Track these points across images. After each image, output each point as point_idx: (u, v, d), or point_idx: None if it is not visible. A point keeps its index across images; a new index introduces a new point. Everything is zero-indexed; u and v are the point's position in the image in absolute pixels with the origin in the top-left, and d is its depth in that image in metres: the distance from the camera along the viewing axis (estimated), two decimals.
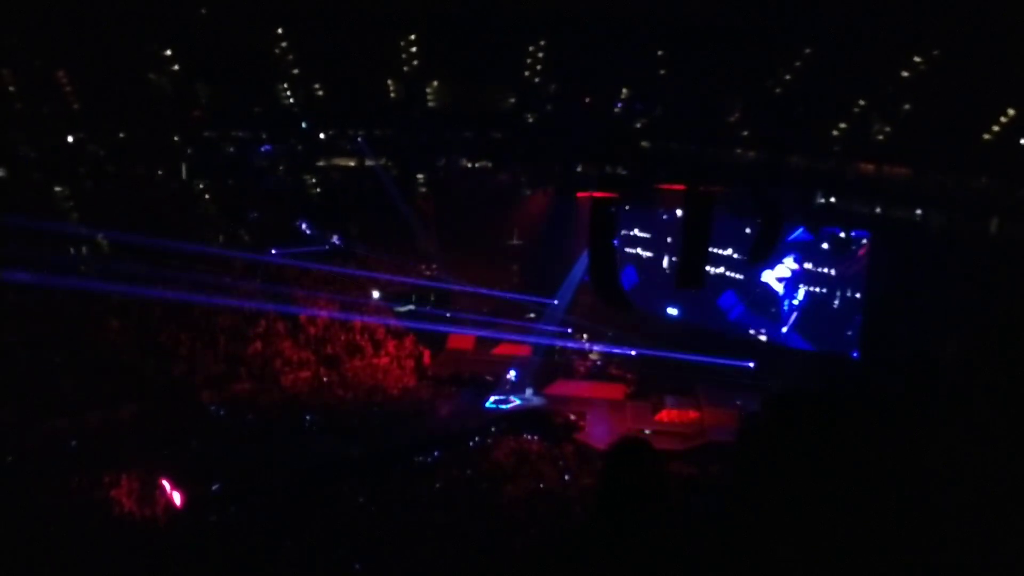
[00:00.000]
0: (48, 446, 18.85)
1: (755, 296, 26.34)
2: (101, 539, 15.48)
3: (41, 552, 14.28)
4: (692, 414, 24.00)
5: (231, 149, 28.18)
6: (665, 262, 28.36)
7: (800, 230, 24.41)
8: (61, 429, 19.59)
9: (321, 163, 29.79)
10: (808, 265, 24.90)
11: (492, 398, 24.77)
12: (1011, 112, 20.16)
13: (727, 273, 26.64)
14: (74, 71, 23.64)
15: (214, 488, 18.09)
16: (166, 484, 17.79)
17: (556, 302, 28.38)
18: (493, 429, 23.11)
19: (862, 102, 22.56)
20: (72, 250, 24.16)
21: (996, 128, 20.44)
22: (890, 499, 3.86)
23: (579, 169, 28.43)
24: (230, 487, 18.09)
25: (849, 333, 24.23)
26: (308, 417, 22.33)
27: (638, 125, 26.38)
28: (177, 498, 17.54)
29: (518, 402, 24.74)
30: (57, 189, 24.73)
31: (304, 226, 28.71)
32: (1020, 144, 20.20)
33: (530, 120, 27.06)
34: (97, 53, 22.60)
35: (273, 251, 27.53)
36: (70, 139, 25.56)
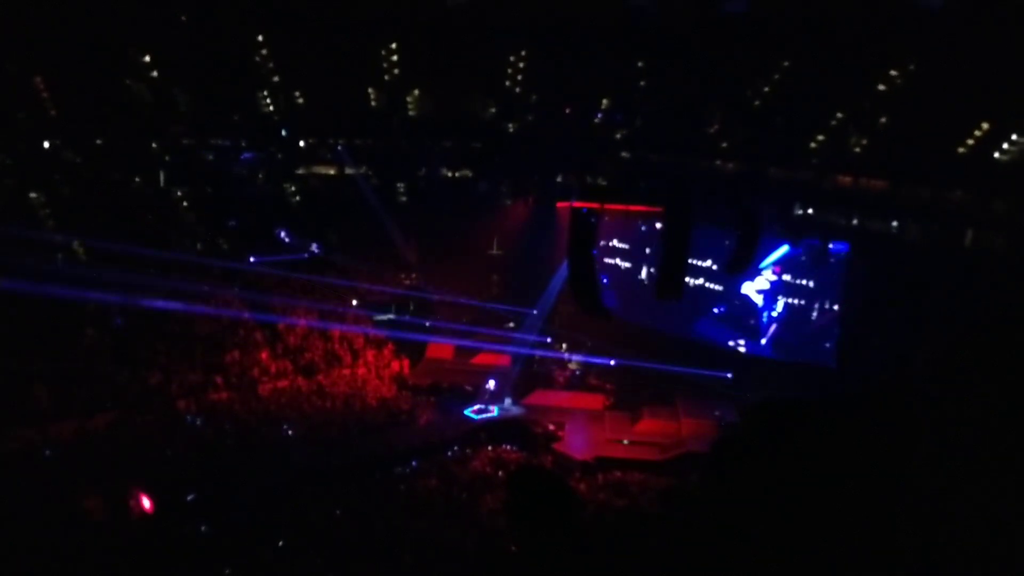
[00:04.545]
0: (20, 456, 18.59)
1: (734, 308, 26.47)
2: (73, 550, 15.26)
3: (13, 562, 14.09)
4: (671, 424, 24.03)
5: (210, 156, 28.02)
6: (644, 273, 28.46)
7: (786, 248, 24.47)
8: (34, 438, 19.34)
9: (301, 171, 29.68)
10: (787, 277, 25.04)
11: (471, 408, 24.71)
12: (985, 126, 20.40)
13: (707, 285, 26.77)
14: (51, 77, 23.45)
15: (189, 498, 17.91)
16: (140, 494, 17.58)
17: (535, 312, 28.38)
18: (471, 439, 23.03)
19: (840, 115, 22.74)
20: (47, 257, 23.88)
21: (971, 141, 20.66)
22: (867, 508, 3.86)
23: (559, 179, 28.50)
24: (205, 497, 17.90)
25: (827, 345, 24.36)
26: (285, 427, 22.17)
27: (618, 136, 26.47)
28: (151, 508, 17.34)
29: (497, 412, 24.68)
30: (33, 195, 24.48)
31: (283, 234, 28.59)
32: (995, 157, 20.42)
33: (511, 130, 27.10)
34: (75, 59, 22.43)
35: (252, 259, 27.39)
36: (46, 145, 25.34)
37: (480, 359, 27.70)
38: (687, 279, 24.81)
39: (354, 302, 28.48)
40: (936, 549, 3.70)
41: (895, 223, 23.09)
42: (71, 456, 18.86)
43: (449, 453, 22.21)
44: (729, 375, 25.23)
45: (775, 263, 25.07)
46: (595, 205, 24.44)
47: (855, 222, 23.88)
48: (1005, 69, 17.59)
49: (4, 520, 15.55)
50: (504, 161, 28.09)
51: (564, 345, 28.67)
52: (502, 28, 23.13)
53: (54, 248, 24.04)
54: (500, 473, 20.62)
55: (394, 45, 24.94)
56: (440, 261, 29.42)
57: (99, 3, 21.65)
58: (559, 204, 28.12)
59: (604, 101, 25.82)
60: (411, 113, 26.79)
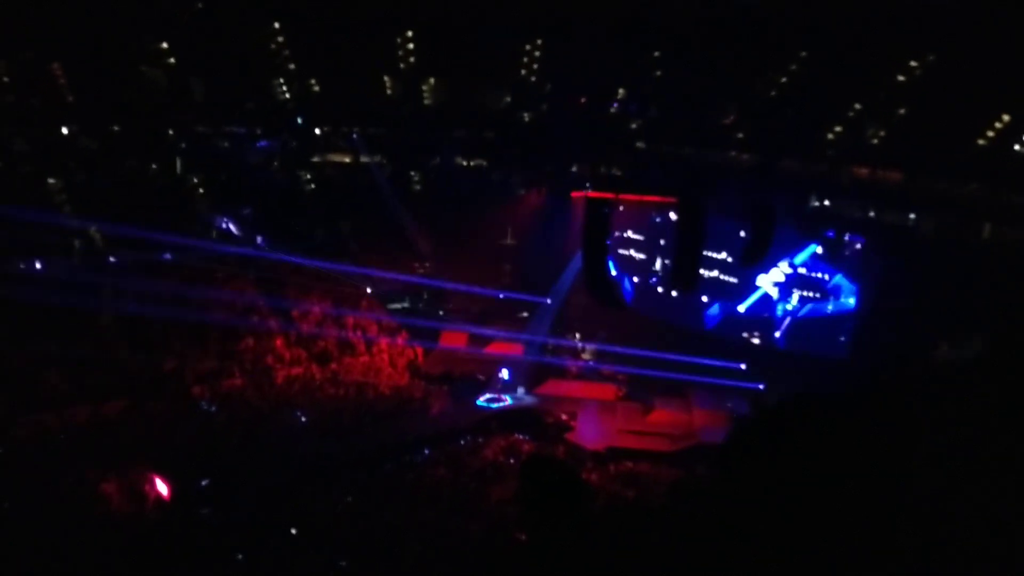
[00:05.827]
0: (36, 440, 18.77)
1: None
2: (88, 534, 15.41)
3: (28, 547, 14.23)
4: (682, 416, 24.01)
5: (225, 144, 28.07)
6: (658, 264, 28.37)
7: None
8: (49, 423, 19.51)
9: (316, 159, 29.70)
10: (803, 270, 24.93)
11: (483, 397, 24.77)
12: (1006, 118, 20.18)
13: (721, 277, 26.66)
14: (68, 64, 23.53)
15: (203, 484, 18.04)
16: (155, 479, 17.71)
17: (549, 302, 28.38)
18: (483, 428, 23.07)
19: (857, 106, 22.55)
20: (63, 242, 24.04)
21: (990, 133, 20.46)
22: (871, 506, 3.84)
23: (574, 169, 28.40)
24: (219, 483, 18.02)
25: (842, 339, 24.24)
26: (299, 414, 22.29)
27: (633, 126, 26.34)
28: (165, 493, 17.47)
29: (509, 401, 24.73)
30: (51, 181, 24.61)
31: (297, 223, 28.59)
32: (1014, 149, 20.22)
33: (525, 119, 27.01)
34: (91, 46, 22.50)
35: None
36: (64, 131, 25.44)
37: (493, 348, 27.75)
38: (702, 271, 24.76)
39: (368, 290, 28.55)
40: (936, 549, 3.69)
41: (912, 215, 22.93)
42: (86, 441, 19.03)
43: (461, 442, 22.26)
44: (743, 366, 25.14)
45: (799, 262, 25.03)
46: (609, 195, 24.40)
47: (871, 214, 23.72)
48: None
49: (20, 503, 15.74)
50: (518, 151, 28.02)
51: (577, 335, 28.66)
52: (518, 18, 23.03)
53: (70, 234, 24.17)
54: (512, 461, 20.69)
55: (410, 33, 24.88)
56: (454, 250, 29.42)
57: None
58: (573, 194, 28.04)
59: (619, 91, 25.69)
60: (426, 102, 26.73)
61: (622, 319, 26.92)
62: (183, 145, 27.33)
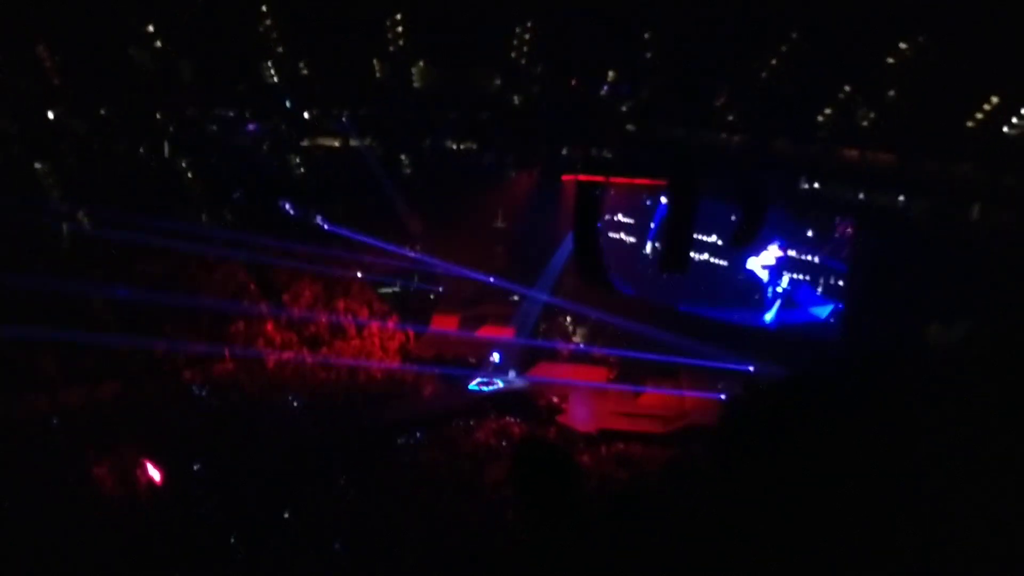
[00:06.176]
0: (28, 423, 18.74)
1: (737, 284, 26.41)
2: (80, 516, 15.42)
3: (20, 529, 14.24)
4: (674, 397, 24.10)
5: (214, 127, 27.92)
6: (649, 247, 28.37)
7: None
8: (41, 406, 19.49)
9: (305, 142, 29.57)
10: (792, 252, 24.97)
11: (475, 380, 24.79)
12: (995, 99, 20.19)
13: (711, 259, 26.68)
14: (55, 45, 23.33)
15: (195, 467, 18.04)
16: (146, 464, 17.71)
17: (540, 284, 28.37)
18: (475, 411, 23.10)
19: (847, 87, 22.53)
20: (53, 226, 23.92)
21: (980, 115, 20.46)
22: (869, 484, 3.87)
23: (564, 152, 28.33)
24: (211, 468, 18.03)
25: (831, 321, 24.33)
26: (290, 398, 22.28)
27: (624, 108, 26.27)
28: (157, 478, 17.48)
29: (501, 384, 24.77)
30: (38, 165, 24.45)
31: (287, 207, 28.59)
32: (1004, 131, 20.24)
33: (516, 102, 26.92)
34: (78, 27, 22.31)
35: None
36: (51, 115, 25.25)
37: (484, 331, 27.76)
38: (692, 254, 24.74)
39: (359, 274, 28.50)
40: (936, 548, 3.72)
41: (902, 197, 22.95)
42: (78, 424, 19.02)
43: (453, 424, 22.30)
44: (733, 347, 25.19)
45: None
46: (600, 178, 24.34)
47: (861, 196, 23.74)
48: (1017, 41, 17.40)
49: (12, 486, 15.73)
50: (509, 133, 27.93)
51: (568, 318, 28.69)
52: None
53: (60, 217, 24.05)
54: (504, 444, 20.74)
55: (399, 16, 24.75)
56: (445, 233, 29.38)
57: None
58: (564, 177, 27.99)
59: (610, 73, 25.61)
60: (416, 84, 26.61)
61: (613, 302, 26.92)
62: (171, 128, 27.16)
